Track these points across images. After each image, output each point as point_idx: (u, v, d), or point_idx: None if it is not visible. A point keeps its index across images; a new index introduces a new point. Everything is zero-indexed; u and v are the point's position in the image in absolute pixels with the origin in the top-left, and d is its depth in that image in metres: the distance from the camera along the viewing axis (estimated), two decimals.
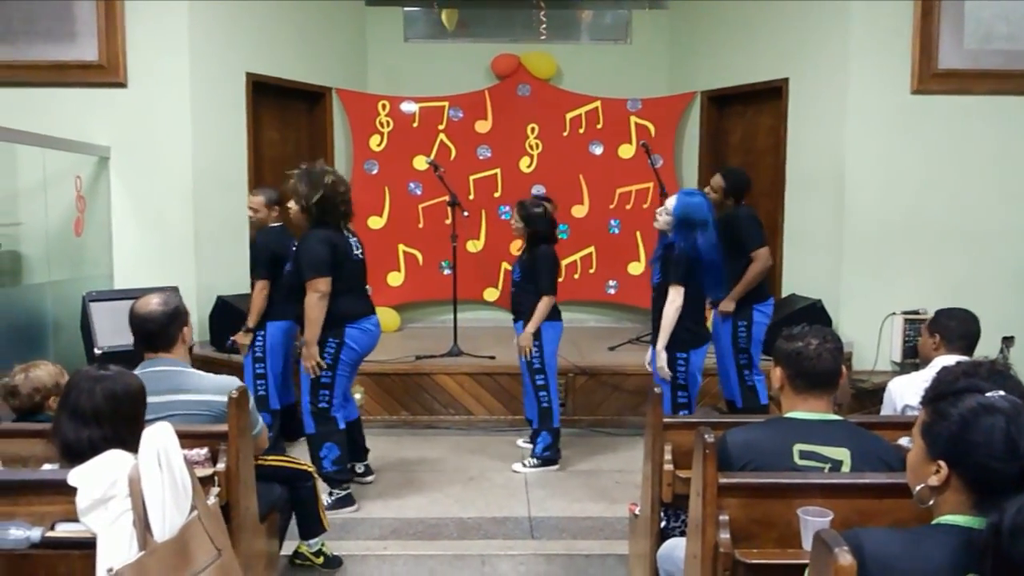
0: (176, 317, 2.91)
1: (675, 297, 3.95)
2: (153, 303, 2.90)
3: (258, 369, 4.66)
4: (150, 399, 2.74)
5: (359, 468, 4.43)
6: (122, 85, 5.53)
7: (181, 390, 2.82)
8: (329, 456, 4.04)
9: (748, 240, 4.60)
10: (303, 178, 4.01)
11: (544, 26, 7.23)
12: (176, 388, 2.82)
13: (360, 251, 4.17)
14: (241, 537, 2.63)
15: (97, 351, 4.75)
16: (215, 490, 2.50)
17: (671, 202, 4.05)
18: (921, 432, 1.58)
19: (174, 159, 5.63)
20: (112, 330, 4.77)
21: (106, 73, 5.51)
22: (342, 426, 4.11)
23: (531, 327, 4.54)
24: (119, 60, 5.50)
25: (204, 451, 2.61)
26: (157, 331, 2.88)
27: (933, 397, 1.59)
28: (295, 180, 4.03)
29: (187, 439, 2.40)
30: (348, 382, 4.20)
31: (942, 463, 1.52)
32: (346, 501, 4.07)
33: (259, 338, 4.64)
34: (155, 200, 5.66)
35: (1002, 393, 1.51)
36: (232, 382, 2.87)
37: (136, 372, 2.85)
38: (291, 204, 4.11)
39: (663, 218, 4.05)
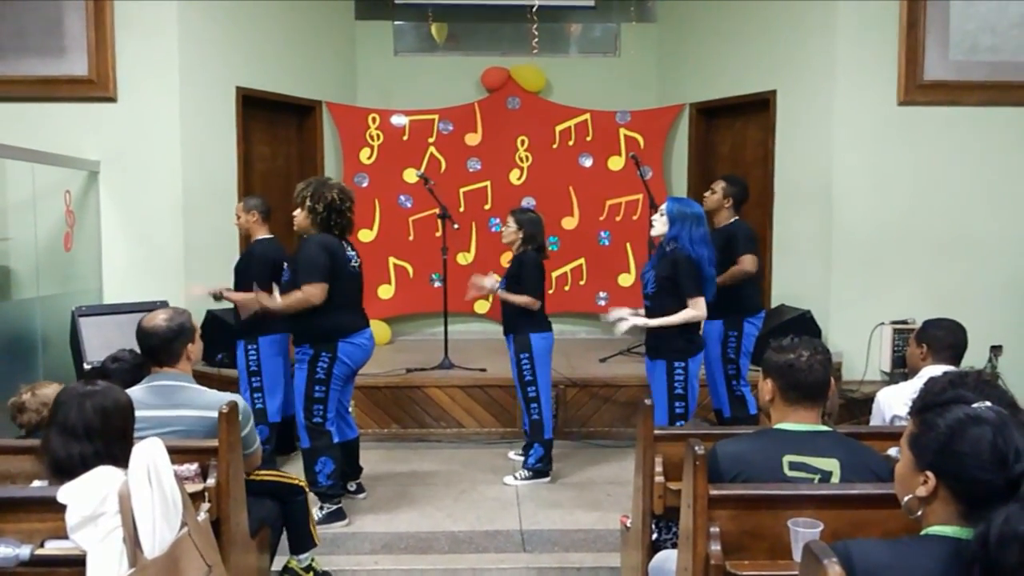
0: (180, 334, 2.92)
1: (698, 312, 3.92)
2: (159, 319, 2.92)
3: (254, 383, 4.67)
4: (152, 412, 2.75)
5: (351, 486, 4.42)
6: (112, 100, 5.53)
7: (184, 405, 2.83)
8: (324, 470, 4.04)
9: (739, 250, 4.64)
10: (312, 185, 4.12)
11: (536, 40, 7.25)
12: (179, 403, 2.83)
13: (357, 264, 4.21)
14: (231, 552, 2.62)
15: (86, 366, 4.73)
16: (205, 506, 2.49)
17: (664, 206, 4.07)
18: (908, 443, 1.59)
19: (164, 174, 5.63)
20: (101, 345, 4.74)
21: (96, 88, 5.51)
22: (336, 440, 4.12)
23: (502, 293, 4.59)
24: (109, 75, 5.50)
25: (194, 467, 2.61)
26: (160, 346, 2.89)
27: (920, 408, 1.59)
28: (304, 186, 4.12)
29: (177, 455, 2.39)
30: (342, 396, 4.21)
31: (930, 474, 1.52)
32: (337, 515, 4.06)
33: (252, 352, 4.66)
34: (145, 215, 5.65)
35: (988, 404, 1.52)
36: (234, 399, 2.86)
37: (140, 385, 2.86)
38: (297, 212, 4.13)
39: (659, 220, 4.05)
